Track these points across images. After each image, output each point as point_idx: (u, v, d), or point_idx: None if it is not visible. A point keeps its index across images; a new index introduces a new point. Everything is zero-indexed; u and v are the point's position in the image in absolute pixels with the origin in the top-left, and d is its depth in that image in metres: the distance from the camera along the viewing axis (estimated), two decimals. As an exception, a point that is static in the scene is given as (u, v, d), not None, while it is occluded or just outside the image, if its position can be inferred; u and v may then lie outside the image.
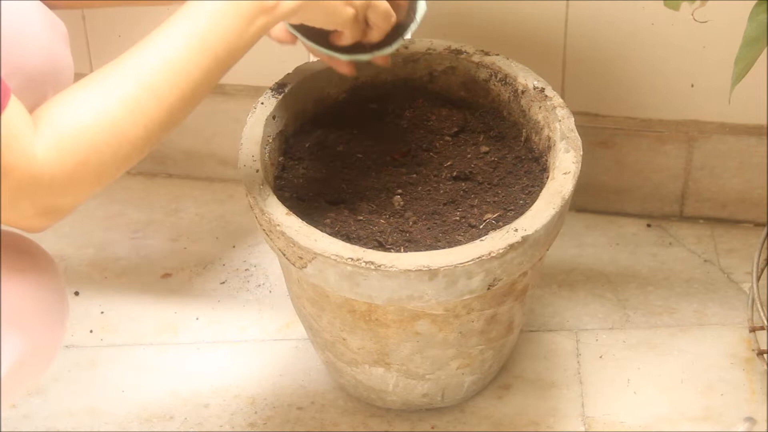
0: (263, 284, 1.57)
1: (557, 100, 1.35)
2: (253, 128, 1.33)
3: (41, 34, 1.19)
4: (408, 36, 1.29)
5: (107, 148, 1.03)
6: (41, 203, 1.02)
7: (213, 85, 1.13)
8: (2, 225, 1.05)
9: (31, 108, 1.20)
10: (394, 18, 1.25)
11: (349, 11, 1.20)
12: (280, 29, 1.29)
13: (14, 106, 1.00)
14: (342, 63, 1.30)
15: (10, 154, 0.98)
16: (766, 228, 1.49)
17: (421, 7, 1.29)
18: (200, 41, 1.08)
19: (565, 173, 1.27)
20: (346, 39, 1.24)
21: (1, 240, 1.10)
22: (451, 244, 1.24)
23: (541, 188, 1.27)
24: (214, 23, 1.09)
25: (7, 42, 1.14)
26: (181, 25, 1.09)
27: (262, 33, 1.13)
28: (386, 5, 1.24)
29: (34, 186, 1.00)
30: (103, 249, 1.62)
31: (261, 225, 1.26)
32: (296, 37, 1.28)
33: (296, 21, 1.19)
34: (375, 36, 1.25)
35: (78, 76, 1.56)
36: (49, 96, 1.21)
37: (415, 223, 1.28)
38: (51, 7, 1.25)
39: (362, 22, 1.23)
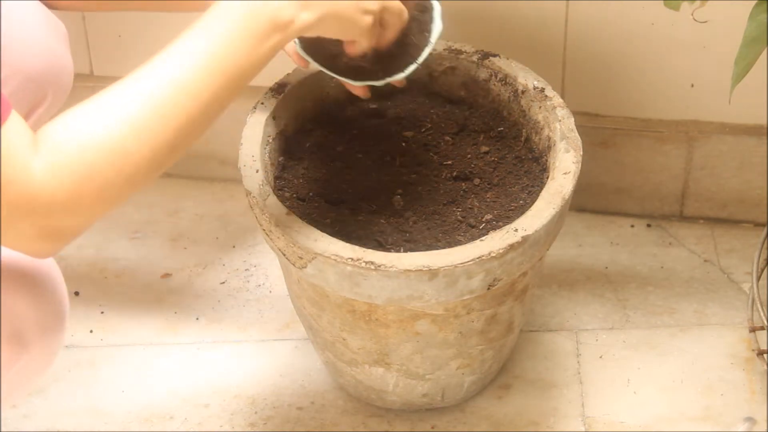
0: (263, 284, 1.57)
1: (557, 100, 1.35)
2: (253, 128, 1.33)
3: (41, 35, 1.19)
4: (421, 60, 1.26)
5: (110, 169, 0.99)
6: (41, 224, 0.98)
7: (225, 107, 1.07)
8: (3, 248, 1.03)
9: (31, 108, 1.20)
10: (406, 15, 1.22)
11: (367, 20, 1.16)
12: (292, 51, 1.25)
13: (14, 121, 0.97)
14: (356, 86, 1.27)
15: (7, 170, 0.95)
16: (766, 228, 1.49)
17: (437, 28, 1.26)
18: (210, 61, 1.03)
19: (565, 173, 1.27)
20: (361, 47, 1.20)
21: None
22: (451, 244, 1.24)
23: (541, 188, 1.27)
24: (226, 42, 1.04)
25: (7, 43, 1.14)
26: (191, 43, 1.04)
27: (276, 51, 1.08)
28: (399, 4, 1.20)
29: (32, 205, 0.96)
30: (103, 249, 1.62)
31: (261, 225, 1.26)
32: (307, 61, 1.25)
33: (312, 34, 1.13)
34: (389, 35, 1.21)
35: (78, 76, 1.56)
36: (49, 97, 1.21)
37: (415, 223, 1.28)
38: (51, 8, 1.25)
39: (378, 27, 1.19)
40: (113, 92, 1.03)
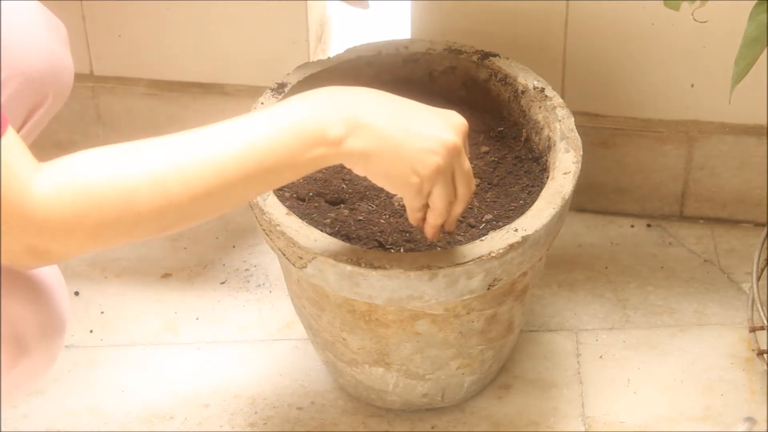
0: (263, 284, 1.57)
1: (557, 100, 1.35)
2: (253, 128, 1.32)
3: (41, 36, 1.19)
4: None
5: (113, 210, 0.98)
6: (29, 242, 0.98)
7: (251, 195, 1.06)
8: None
9: (32, 109, 1.20)
10: (458, 209, 1.14)
11: (414, 180, 1.09)
12: None
13: (11, 138, 0.96)
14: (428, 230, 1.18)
15: (2, 184, 0.94)
16: (766, 228, 1.49)
17: None
18: (248, 150, 1.02)
19: (565, 173, 1.27)
20: (407, 205, 1.14)
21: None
22: (451, 244, 1.24)
23: (541, 188, 1.27)
24: (270, 139, 1.03)
25: (7, 44, 1.14)
26: (239, 128, 1.03)
27: (319, 163, 1.05)
28: (454, 191, 1.12)
29: (24, 223, 0.96)
30: (103, 249, 1.62)
31: (261, 225, 1.26)
32: None
33: (360, 171, 1.09)
34: (431, 220, 1.14)
35: (78, 76, 1.56)
36: (50, 97, 1.21)
37: (415, 223, 1.28)
38: None
39: (425, 195, 1.11)
40: (145, 142, 1.02)
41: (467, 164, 1.12)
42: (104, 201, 0.98)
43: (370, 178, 1.10)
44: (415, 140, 1.08)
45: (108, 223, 0.99)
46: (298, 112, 1.04)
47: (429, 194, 1.11)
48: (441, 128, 1.10)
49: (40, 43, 1.17)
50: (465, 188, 1.13)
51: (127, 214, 0.99)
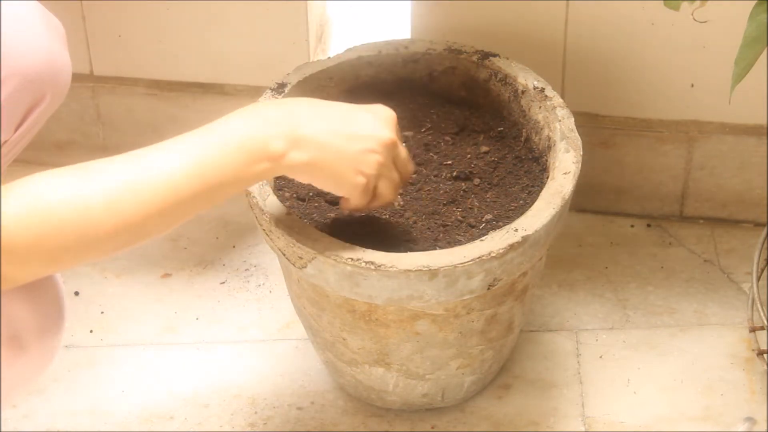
0: (263, 284, 1.57)
1: (557, 100, 1.35)
2: (253, 128, 1.32)
3: (39, 35, 1.19)
4: None
5: (72, 231, 1.00)
6: None
7: (198, 210, 1.09)
8: None
9: (30, 109, 1.20)
10: (398, 190, 1.20)
11: (360, 180, 1.15)
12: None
13: None
14: None
15: None
16: (766, 228, 1.49)
17: None
18: (197, 166, 1.06)
19: (565, 173, 1.27)
20: (351, 206, 1.19)
21: None
22: (451, 244, 1.24)
23: (541, 188, 1.27)
24: (216, 155, 1.07)
25: (4, 43, 1.14)
26: (187, 145, 1.07)
27: (262, 178, 1.10)
28: (397, 179, 1.19)
29: None
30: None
31: (261, 225, 1.26)
32: None
33: (304, 180, 1.14)
34: (378, 204, 1.20)
35: (78, 76, 1.56)
36: (48, 97, 1.20)
37: (415, 223, 1.28)
38: None
39: (371, 191, 1.18)
40: (102, 162, 1.04)
41: (403, 152, 1.19)
42: (63, 224, 1.00)
43: (315, 185, 1.15)
44: (353, 143, 1.13)
45: (67, 246, 1.01)
46: (240, 130, 1.08)
47: (375, 188, 1.17)
48: (374, 126, 1.15)
49: (38, 42, 1.17)
50: (405, 172, 1.20)
51: (84, 236, 1.01)
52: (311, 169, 1.12)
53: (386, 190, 1.18)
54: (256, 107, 1.11)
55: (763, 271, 1.48)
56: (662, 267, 1.57)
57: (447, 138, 1.38)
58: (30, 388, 1.16)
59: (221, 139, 1.08)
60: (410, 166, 1.22)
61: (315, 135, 1.11)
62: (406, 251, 1.23)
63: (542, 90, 1.36)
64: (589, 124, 1.56)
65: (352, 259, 1.19)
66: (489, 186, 1.33)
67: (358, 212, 1.23)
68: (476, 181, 1.33)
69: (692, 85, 1.52)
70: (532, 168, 1.34)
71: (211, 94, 1.64)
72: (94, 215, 1.01)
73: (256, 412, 1.43)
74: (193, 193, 1.06)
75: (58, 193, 1.01)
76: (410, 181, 1.24)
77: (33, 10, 1.20)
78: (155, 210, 1.04)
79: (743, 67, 1.11)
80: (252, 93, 1.60)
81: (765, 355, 1.41)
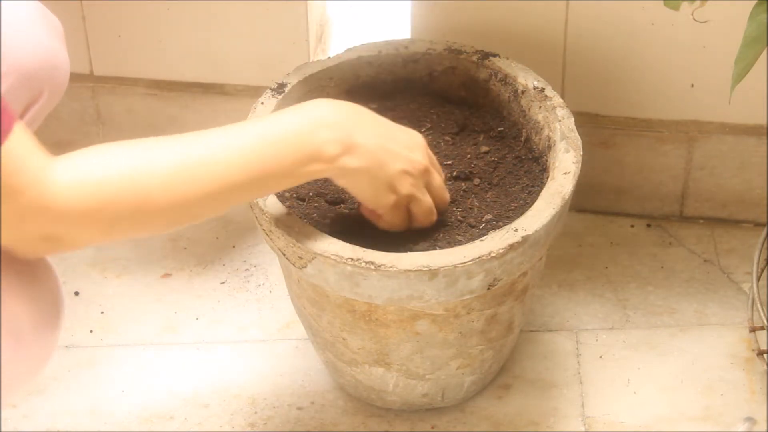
0: (263, 284, 1.57)
1: (557, 100, 1.35)
2: (253, 128, 1.32)
3: (36, 32, 1.19)
4: None
5: (127, 204, 1.04)
6: (44, 231, 1.02)
7: (249, 198, 1.16)
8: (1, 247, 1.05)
9: (27, 106, 1.20)
10: (434, 217, 1.24)
11: (391, 198, 1.20)
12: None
13: (20, 132, 0.99)
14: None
15: (17, 178, 0.98)
16: (766, 228, 1.49)
17: None
18: (253, 155, 1.10)
19: (565, 173, 1.27)
20: (384, 224, 1.24)
21: None
22: (451, 244, 1.24)
23: (541, 188, 1.27)
24: (275, 145, 1.11)
25: (2, 41, 1.14)
26: (246, 132, 1.11)
27: (314, 177, 1.15)
28: (429, 203, 1.23)
29: (42, 211, 1.00)
30: (103, 249, 1.62)
31: (261, 225, 1.26)
32: None
33: (347, 185, 1.19)
34: (414, 225, 1.24)
35: (78, 76, 1.56)
36: (45, 94, 1.21)
37: (415, 223, 1.28)
38: None
39: (404, 211, 1.22)
40: (159, 139, 1.08)
41: (437, 179, 1.24)
42: (121, 194, 1.03)
43: (351, 191, 1.20)
44: (394, 161, 1.18)
45: (123, 216, 1.04)
46: (297, 127, 1.12)
47: (404, 209, 1.22)
48: (411, 149, 1.20)
49: (36, 39, 1.17)
50: (439, 199, 1.25)
51: (141, 208, 1.04)
52: (357, 176, 1.17)
53: (419, 214, 1.23)
54: (316, 107, 1.15)
55: (763, 271, 1.48)
56: (662, 267, 1.57)
57: (447, 138, 1.38)
58: (29, 386, 1.16)
59: (280, 132, 1.12)
60: (445, 194, 1.25)
61: (367, 145, 1.15)
62: (406, 251, 1.23)
63: (542, 90, 1.36)
64: (589, 124, 1.56)
65: (352, 259, 1.19)
66: (489, 186, 1.33)
67: (395, 230, 1.25)
68: (476, 181, 1.33)
69: (692, 85, 1.52)
70: (532, 168, 1.34)
71: (211, 94, 1.64)
72: (150, 189, 1.04)
73: (256, 412, 1.43)
74: (247, 180, 1.09)
75: (116, 164, 1.04)
76: (444, 209, 1.27)
77: (31, 7, 1.20)
78: (209, 191, 1.07)
79: (743, 67, 1.11)
80: (252, 93, 1.60)
81: (765, 355, 1.40)
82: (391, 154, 1.18)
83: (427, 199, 1.22)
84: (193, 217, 1.10)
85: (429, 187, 1.22)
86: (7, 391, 1.11)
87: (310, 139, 1.12)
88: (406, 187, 1.19)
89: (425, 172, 1.21)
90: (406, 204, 1.22)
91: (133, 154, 1.06)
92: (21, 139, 0.99)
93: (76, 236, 1.04)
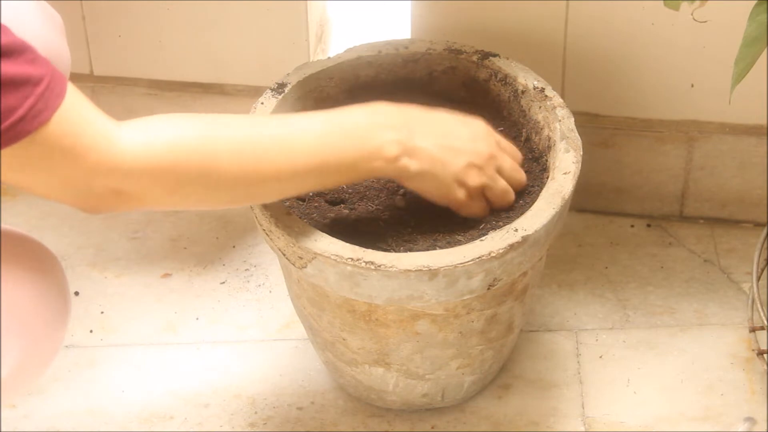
0: (263, 284, 1.57)
1: (557, 100, 1.35)
2: (253, 128, 1.32)
3: (37, 26, 1.19)
4: None
5: (196, 168, 1.07)
6: (114, 185, 1.04)
7: (310, 187, 1.20)
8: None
9: None
10: (512, 197, 1.26)
11: (460, 195, 1.22)
12: None
13: (75, 96, 1.01)
14: None
15: (80, 140, 1.01)
16: (766, 228, 1.49)
17: None
18: (319, 140, 1.14)
19: (565, 173, 1.27)
20: (464, 213, 1.25)
21: (3, 239, 1.09)
22: (451, 244, 1.24)
23: (541, 188, 1.27)
24: (340, 137, 1.15)
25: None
26: (317, 121, 1.16)
27: (376, 175, 1.19)
28: (502, 186, 1.25)
29: (112, 166, 1.03)
30: (103, 249, 1.62)
31: (261, 225, 1.26)
32: None
33: (415, 188, 1.22)
34: (492, 209, 1.26)
35: (78, 76, 1.56)
36: None
37: (415, 223, 1.28)
38: None
39: (480, 200, 1.24)
40: (235, 115, 1.14)
41: (507, 162, 1.26)
42: (189, 158, 1.07)
43: (419, 192, 1.23)
44: (458, 158, 1.21)
45: (190, 179, 1.07)
46: (362, 124, 1.17)
47: (479, 197, 1.24)
48: (473, 141, 1.23)
49: (36, 33, 1.17)
50: (514, 179, 1.27)
51: (208, 172, 1.08)
52: (420, 178, 1.20)
53: (496, 198, 1.25)
54: (380, 108, 1.19)
55: (763, 271, 1.48)
56: (662, 267, 1.57)
57: (447, 138, 1.38)
58: (33, 384, 1.16)
59: (345, 126, 1.17)
60: (519, 175, 1.27)
61: (426, 147, 1.19)
62: (406, 251, 1.23)
63: (542, 90, 1.36)
64: (589, 124, 1.56)
65: (352, 259, 1.19)
66: (489, 186, 1.33)
67: (478, 217, 1.26)
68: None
69: (692, 85, 1.52)
70: (532, 168, 1.34)
71: (211, 94, 1.64)
72: (219, 155, 1.08)
73: (256, 412, 1.43)
74: (311, 166, 1.14)
75: (185, 130, 1.08)
76: (522, 188, 1.29)
77: (32, 2, 1.20)
78: (274, 171, 1.11)
79: (743, 67, 1.11)
80: (252, 93, 1.60)
81: (765, 355, 1.41)
82: (452, 151, 1.20)
83: (499, 184, 1.24)
84: (255, 196, 1.15)
85: (500, 171, 1.25)
86: (18, 387, 1.11)
87: (374, 136, 1.16)
88: (474, 179, 1.22)
89: (491, 159, 1.23)
90: (480, 193, 1.24)
91: (204, 120, 1.10)
92: (77, 102, 1.01)
93: (144, 194, 1.06)
